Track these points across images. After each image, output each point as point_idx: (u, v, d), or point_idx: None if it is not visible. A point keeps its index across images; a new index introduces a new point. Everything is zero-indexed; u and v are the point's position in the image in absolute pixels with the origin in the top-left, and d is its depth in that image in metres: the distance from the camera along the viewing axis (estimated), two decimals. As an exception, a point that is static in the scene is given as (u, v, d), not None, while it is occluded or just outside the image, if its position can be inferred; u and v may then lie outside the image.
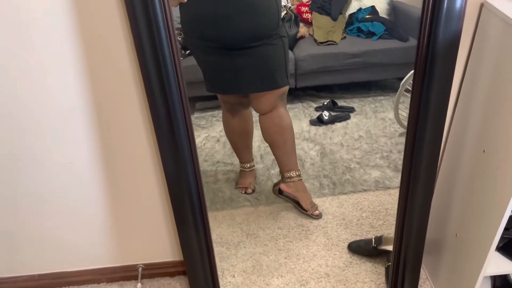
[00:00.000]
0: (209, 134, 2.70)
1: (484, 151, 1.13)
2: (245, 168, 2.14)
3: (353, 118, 2.76)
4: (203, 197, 1.18)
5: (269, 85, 1.77)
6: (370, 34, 2.86)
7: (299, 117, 2.77)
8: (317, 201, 2.00)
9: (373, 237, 1.69)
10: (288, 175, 1.97)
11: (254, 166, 2.19)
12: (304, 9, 3.00)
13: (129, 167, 1.36)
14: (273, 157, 2.37)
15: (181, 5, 1.65)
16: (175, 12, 2.30)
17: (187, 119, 1.09)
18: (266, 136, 1.95)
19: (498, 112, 1.07)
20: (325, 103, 2.89)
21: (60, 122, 1.25)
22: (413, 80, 1.05)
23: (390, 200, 1.99)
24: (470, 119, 1.21)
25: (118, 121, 1.26)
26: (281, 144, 1.93)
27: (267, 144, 2.44)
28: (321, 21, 2.97)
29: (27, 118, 1.23)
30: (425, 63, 1.00)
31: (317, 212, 1.92)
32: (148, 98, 1.08)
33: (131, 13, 0.97)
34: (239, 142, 2.10)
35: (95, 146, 1.30)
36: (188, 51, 2.98)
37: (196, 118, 2.95)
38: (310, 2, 3.01)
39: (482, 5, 1.08)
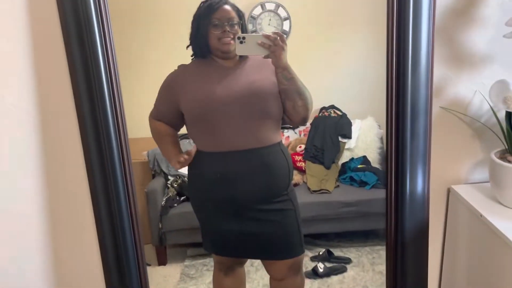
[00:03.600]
0: (197, 286, 2.55)
1: None
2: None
3: (350, 271, 2.62)
4: None
5: (282, 254, 1.66)
6: (363, 183, 2.88)
7: (293, 268, 2.64)
8: None
9: None
10: None
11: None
12: (297, 158, 3.09)
13: None
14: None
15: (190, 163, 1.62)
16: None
17: None
18: None
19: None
20: (321, 253, 2.78)
21: None
22: (386, 270, 0.99)
23: None
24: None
25: None
26: None
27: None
28: (314, 169, 3.03)
29: None
30: (395, 250, 0.95)
31: None
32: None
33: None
34: None
35: None
36: (182, 197, 3.00)
37: (186, 267, 2.82)
38: (304, 151, 3.11)
39: (449, 191, 1.04)
